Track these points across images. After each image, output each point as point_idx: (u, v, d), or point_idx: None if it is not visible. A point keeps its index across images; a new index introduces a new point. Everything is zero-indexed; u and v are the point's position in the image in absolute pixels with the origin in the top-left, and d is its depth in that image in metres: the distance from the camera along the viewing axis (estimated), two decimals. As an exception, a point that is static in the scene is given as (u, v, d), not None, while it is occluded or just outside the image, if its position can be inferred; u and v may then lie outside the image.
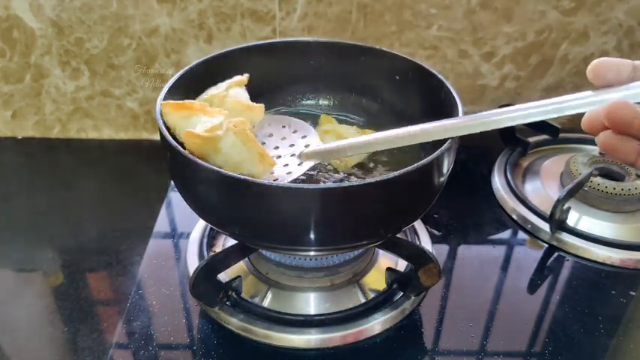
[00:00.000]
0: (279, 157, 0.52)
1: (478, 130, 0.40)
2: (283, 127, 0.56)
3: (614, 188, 0.67)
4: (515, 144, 0.79)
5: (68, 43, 0.77)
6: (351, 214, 0.44)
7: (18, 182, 0.77)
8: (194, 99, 0.58)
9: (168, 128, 0.48)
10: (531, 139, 0.80)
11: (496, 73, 0.84)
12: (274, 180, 0.48)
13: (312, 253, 0.55)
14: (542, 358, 0.52)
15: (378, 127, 0.60)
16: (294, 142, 0.54)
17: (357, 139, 0.48)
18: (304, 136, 0.54)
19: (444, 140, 0.45)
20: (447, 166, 0.48)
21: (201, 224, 0.65)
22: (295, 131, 0.55)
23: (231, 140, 0.46)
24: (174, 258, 0.62)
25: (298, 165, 0.50)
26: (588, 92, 0.35)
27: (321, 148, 0.51)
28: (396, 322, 0.55)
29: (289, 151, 0.53)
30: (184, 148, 0.46)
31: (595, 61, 0.35)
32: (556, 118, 0.81)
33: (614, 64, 0.35)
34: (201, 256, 0.61)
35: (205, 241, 0.63)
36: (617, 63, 0.35)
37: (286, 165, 0.51)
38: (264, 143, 0.54)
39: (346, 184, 0.42)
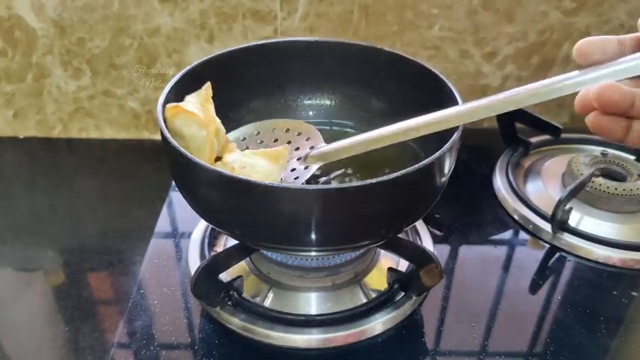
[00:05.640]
0: (287, 161, 0.52)
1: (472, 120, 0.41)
2: (287, 130, 0.56)
3: (616, 189, 0.67)
4: (516, 144, 0.79)
5: (70, 42, 0.77)
6: (353, 215, 0.44)
7: (19, 182, 0.77)
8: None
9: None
10: (533, 139, 0.79)
11: (498, 74, 0.83)
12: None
13: (313, 254, 0.54)
14: (543, 359, 0.52)
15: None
16: (300, 144, 0.54)
17: (363, 136, 0.47)
18: (308, 138, 0.54)
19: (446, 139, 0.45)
20: (448, 166, 0.47)
21: (202, 224, 0.65)
22: (299, 134, 0.55)
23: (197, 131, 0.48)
24: (175, 258, 0.62)
25: (304, 169, 0.51)
26: (575, 72, 0.35)
27: (324, 149, 0.50)
28: (397, 322, 0.55)
29: (295, 154, 0.53)
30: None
31: (579, 42, 0.35)
32: (557, 118, 0.81)
33: (598, 42, 0.35)
34: (202, 255, 0.61)
35: (207, 240, 0.63)
36: (602, 40, 0.35)
37: (293, 170, 0.51)
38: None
39: (347, 184, 0.42)
